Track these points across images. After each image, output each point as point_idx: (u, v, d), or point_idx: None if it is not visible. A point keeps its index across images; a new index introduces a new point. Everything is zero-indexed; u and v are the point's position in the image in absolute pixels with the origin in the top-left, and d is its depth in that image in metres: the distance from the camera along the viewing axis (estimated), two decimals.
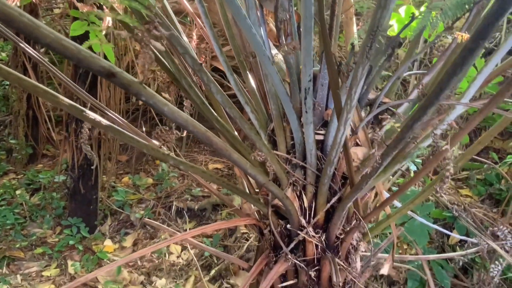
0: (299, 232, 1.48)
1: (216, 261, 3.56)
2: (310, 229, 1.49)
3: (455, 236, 2.83)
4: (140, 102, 5.06)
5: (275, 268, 1.51)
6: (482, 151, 3.94)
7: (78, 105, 0.91)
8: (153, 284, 3.39)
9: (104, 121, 0.94)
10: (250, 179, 1.70)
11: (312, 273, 1.53)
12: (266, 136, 1.56)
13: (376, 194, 1.99)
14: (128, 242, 3.93)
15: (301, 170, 1.49)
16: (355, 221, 1.54)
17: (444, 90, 0.80)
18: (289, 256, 1.50)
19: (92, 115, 0.93)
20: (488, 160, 3.54)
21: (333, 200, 1.45)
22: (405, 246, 3.21)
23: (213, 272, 3.44)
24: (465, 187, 3.73)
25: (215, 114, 1.38)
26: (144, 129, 4.48)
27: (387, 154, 1.07)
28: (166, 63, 1.27)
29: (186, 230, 3.94)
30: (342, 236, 1.53)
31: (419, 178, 1.19)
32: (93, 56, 0.59)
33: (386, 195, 1.52)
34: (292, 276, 1.59)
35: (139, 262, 3.64)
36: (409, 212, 2.10)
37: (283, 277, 1.61)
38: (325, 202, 1.47)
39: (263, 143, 1.38)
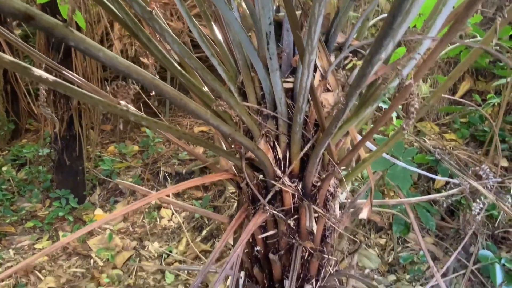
0: (274, 182, 1.47)
1: (207, 222, 3.59)
2: (286, 178, 1.48)
3: (439, 178, 2.85)
4: None
5: (253, 219, 1.51)
6: (466, 94, 3.93)
7: (20, 62, 0.86)
8: (146, 249, 3.43)
9: (51, 77, 0.89)
10: None
11: (291, 222, 1.53)
12: (236, 88, 1.52)
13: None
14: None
15: (273, 120, 1.46)
16: (331, 168, 1.53)
17: (396, 17, 0.76)
18: (267, 207, 1.50)
19: (37, 71, 0.88)
20: (472, 102, 3.53)
21: (306, 147, 1.43)
22: (391, 194, 3.25)
23: (204, 232, 3.48)
24: (449, 131, 3.74)
25: (179, 68, 1.33)
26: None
27: (350, 94, 1.04)
28: (120, 15, 1.21)
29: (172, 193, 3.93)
30: (318, 184, 1.52)
31: (388, 118, 1.17)
32: None
33: (359, 138, 1.50)
34: (272, 226, 1.59)
35: (130, 229, 3.67)
36: (392, 158, 2.09)
37: (264, 228, 1.62)
38: (298, 150, 1.45)
39: (229, 94, 1.34)
